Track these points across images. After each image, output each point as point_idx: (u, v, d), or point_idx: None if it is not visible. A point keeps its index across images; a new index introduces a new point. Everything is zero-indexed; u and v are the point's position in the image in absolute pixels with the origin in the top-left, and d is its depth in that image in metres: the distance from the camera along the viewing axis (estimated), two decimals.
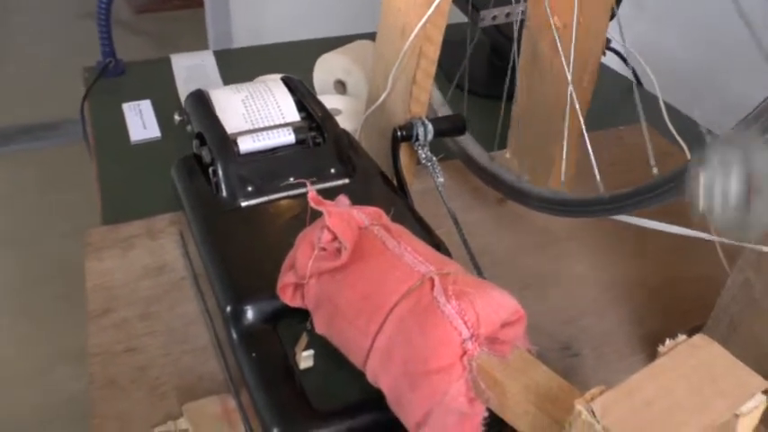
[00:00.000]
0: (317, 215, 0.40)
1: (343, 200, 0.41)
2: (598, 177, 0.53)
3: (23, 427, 1.40)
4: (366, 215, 0.40)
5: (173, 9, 3.02)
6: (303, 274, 0.40)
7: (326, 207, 0.39)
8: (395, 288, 0.36)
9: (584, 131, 0.53)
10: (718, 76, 1.06)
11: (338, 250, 0.39)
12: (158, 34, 2.85)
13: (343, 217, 0.39)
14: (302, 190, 0.56)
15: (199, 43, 2.05)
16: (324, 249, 0.39)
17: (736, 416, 0.29)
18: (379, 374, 0.37)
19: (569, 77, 0.54)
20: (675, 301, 0.62)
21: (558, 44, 0.54)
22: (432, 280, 0.35)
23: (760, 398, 0.30)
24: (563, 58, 0.56)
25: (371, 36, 0.86)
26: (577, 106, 0.56)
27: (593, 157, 0.51)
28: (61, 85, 1.94)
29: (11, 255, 1.78)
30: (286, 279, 0.42)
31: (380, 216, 0.41)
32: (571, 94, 0.57)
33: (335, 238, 0.38)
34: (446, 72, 0.89)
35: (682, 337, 0.33)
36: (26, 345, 1.55)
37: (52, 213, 1.90)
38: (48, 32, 2.85)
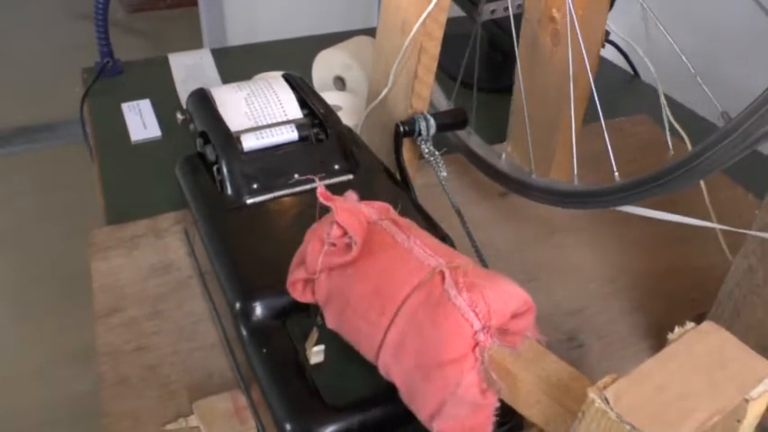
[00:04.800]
0: (325, 211, 0.40)
1: (351, 195, 0.41)
2: (615, 167, 0.53)
3: (24, 426, 1.40)
4: (374, 210, 0.41)
5: (166, 8, 3.01)
6: (313, 269, 0.40)
7: (335, 202, 0.39)
8: (406, 281, 0.37)
9: (602, 120, 0.53)
10: (714, 65, 1.06)
11: (348, 245, 0.39)
12: (152, 33, 2.84)
13: (352, 212, 0.39)
14: (307, 186, 0.56)
15: (193, 42, 2.05)
16: (333, 245, 0.39)
17: (746, 400, 0.30)
18: (392, 367, 0.38)
19: (589, 66, 0.54)
20: (679, 289, 0.63)
21: (577, 32, 0.55)
22: (442, 273, 0.36)
23: None
24: (588, 41, 0.56)
25: (369, 32, 0.86)
26: (593, 89, 0.56)
27: (609, 147, 0.51)
28: (57, 86, 1.93)
29: (9, 256, 1.78)
30: (296, 275, 0.42)
31: (388, 211, 0.42)
32: (574, 85, 0.58)
33: (345, 233, 0.39)
34: (443, 66, 0.89)
35: (690, 325, 0.33)
36: (26, 345, 1.55)
37: (50, 214, 1.90)
38: (42, 33, 2.84)
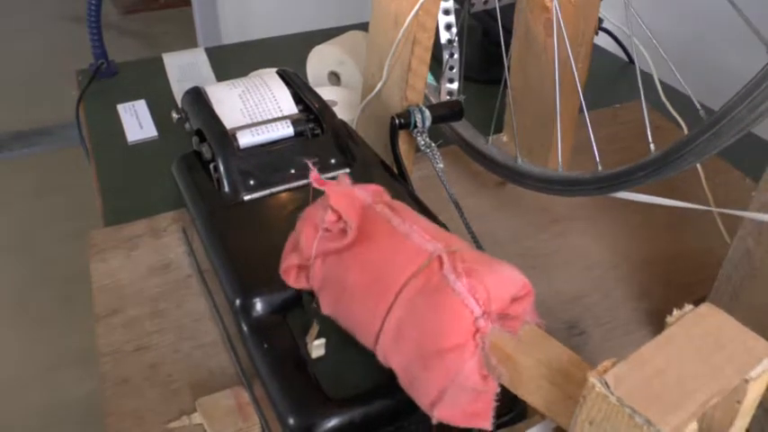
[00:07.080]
0: (319, 197, 0.40)
1: (344, 179, 0.41)
2: (598, 158, 0.53)
3: (27, 430, 1.40)
4: (368, 193, 0.40)
5: (159, 9, 3.00)
6: (308, 255, 0.40)
7: (328, 186, 0.39)
8: (403, 267, 0.36)
9: (585, 110, 0.53)
10: (707, 50, 1.06)
11: (343, 230, 0.38)
12: (146, 34, 2.84)
13: (345, 195, 0.39)
14: (303, 181, 0.56)
15: (187, 42, 2.05)
16: (328, 230, 0.39)
17: (746, 381, 0.30)
18: (390, 355, 0.37)
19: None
20: (678, 275, 0.63)
21: (560, 23, 0.55)
22: (440, 258, 0.35)
23: None
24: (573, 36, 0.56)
25: (362, 27, 0.86)
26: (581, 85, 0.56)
27: (592, 135, 0.52)
28: (51, 89, 1.93)
29: (10, 259, 1.78)
30: (289, 261, 0.42)
31: (382, 194, 0.41)
32: (567, 75, 0.58)
33: (339, 218, 0.38)
34: (438, 58, 0.89)
35: (688, 307, 0.33)
36: (28, 348, 1.56)
37: (50, 217, 1.90)
38: (36, 37, 2.83)
